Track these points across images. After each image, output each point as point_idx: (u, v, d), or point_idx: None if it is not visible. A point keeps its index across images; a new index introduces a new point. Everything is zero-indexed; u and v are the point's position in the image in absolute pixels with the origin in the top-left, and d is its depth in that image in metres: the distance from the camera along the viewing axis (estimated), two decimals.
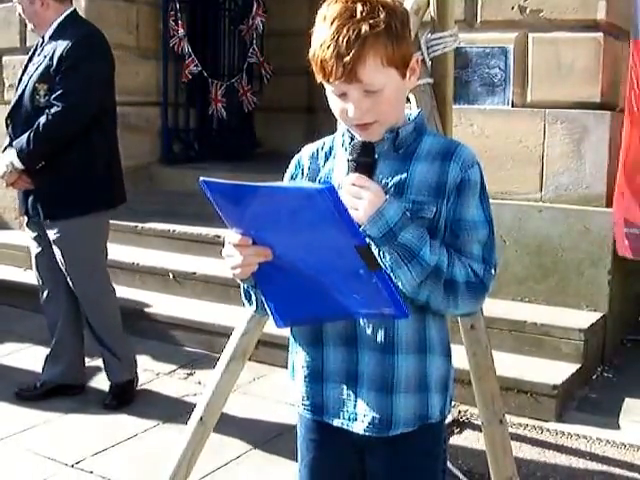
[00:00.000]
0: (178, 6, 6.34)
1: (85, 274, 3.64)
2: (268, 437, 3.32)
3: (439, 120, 2.34)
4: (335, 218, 1.30)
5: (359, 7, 1.44)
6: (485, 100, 4.23)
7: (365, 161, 1.47)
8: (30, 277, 5.35)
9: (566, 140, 4.03)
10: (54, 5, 3.55)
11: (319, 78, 1.50)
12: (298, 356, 1.63)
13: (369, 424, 1.55)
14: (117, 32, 6.07)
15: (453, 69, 2.42)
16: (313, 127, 7.00)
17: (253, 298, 1.60)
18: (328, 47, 1.43)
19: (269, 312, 1.51)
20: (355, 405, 1.56)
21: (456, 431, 3.31)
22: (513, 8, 4.13)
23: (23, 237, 5.92)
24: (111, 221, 5.71)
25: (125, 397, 3.68)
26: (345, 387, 1.56)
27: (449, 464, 2.85)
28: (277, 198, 1.35)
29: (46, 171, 3.54)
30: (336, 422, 1.59)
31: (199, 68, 6.47)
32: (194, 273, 4.83)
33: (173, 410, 3.53)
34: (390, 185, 1.51)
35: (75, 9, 3.68)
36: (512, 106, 4.17)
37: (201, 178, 1.36)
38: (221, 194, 1.38)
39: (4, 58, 6.42)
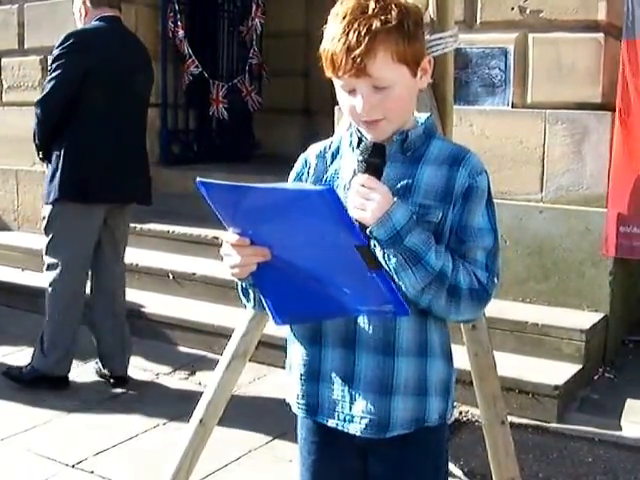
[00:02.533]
0: (177, 7, 6.33)
1: (48, 257, 3.83)
2: (269, 438, 3.32)
3: (439, 121, 2.33)
4: (335, 219, 1.30)
5: (372, 4, 1.44)
6: (485, 101, 4.22)
7: (375, 162, 1.46)
8: (28, 278, 5.37)
9: (567, 141, 4.03)
10: (90, 11, 3.79)
11: (328, 73, 1.49)
12: (295, 354, 1.63)
13: (365, 426, 1.55)
14: None
15: (453, 70, 2.41)
16: (311, 129, 6.99)
17: (251, 296, 1.60)
18: (339, 41, 1.43)
19: (267, 310, 1.51)
20: (351, 406, 1.56)
21: (457, 432, 3.30)
22: (513, 9, 4.13)
23: (21, 238, 5.95)
24: None
25: (18, 380, 3.83)
26: (341, 388, 1.56)
27: (451, 465, 2.84)
28: (275, 199, 1.36)
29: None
30: (331, 422, 1.58)
31: (199, 69, 6.46)
32: (193, 274, 4.83)
33: (173, 410, 3.52)
34: (397, 188, 1.50)
35: (110, 15, 3.79)
36: (512, 107, 4.17)
37: (198, 179, 1.36)
38: (218, 195, 1.38)
39: (3, 60, 6.42)
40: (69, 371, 3.86)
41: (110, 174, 3.75)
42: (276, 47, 7.17)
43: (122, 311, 4.00)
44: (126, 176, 3.82)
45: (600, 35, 3.95)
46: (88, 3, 3.77)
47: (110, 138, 3.76)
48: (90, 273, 3.93)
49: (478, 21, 4.22)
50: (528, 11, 4.09)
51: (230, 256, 1.45)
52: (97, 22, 3.77)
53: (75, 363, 4.15)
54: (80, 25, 3.84)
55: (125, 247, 4.07)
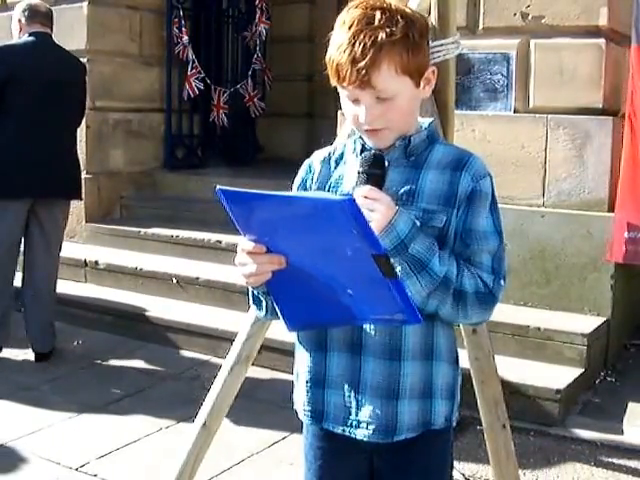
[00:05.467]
0: (182, 13, 6.37)
1: None
2: (271, 441, 3.33)
3: (440, 126, 2.35)
4: (353, 229, 1.29)
5: (378, 15, 1.45)
6: (487, 106, 4.24)
7: (376, 173, 1.47)
8: None
9: (568, 145, 4.05)
10: (24, 27, 4.22)
11: (333, 82, 1.50)
12: (302, 361, 1.64)
13: (373, 430, 1.55)
14: (120, 39, 6.11)
15: (455, 75, 2.43)
16: (313, 133, 7.03)
17: (263, 304, 1.59)
18: (344, 51, 1.44)
19: (280, 316, 1.50)
20: (357, 412, 1.56)
21: (458, 435, 3.31)
22: (515, 14, 4.14)
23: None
24: (114, 226, 5.85)
25: None
26: (347, 394, 1.57)
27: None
28: (295, 207, 1.35)
29: None
30: (338, 429, 1.59)
31: (202, 75, 6.50)
32: (197, 278, 4.84)
33: (177, 414, 3.54)
34: (400, 193, 1.51)
35: (40, 31, 4.20)
36: (514, 112, 4.19)
37: (217, 187, 1.36)
38: (237, 202, 1.38)
39: None
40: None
41: (27, 172, 4.06)
42: (280, 52, 7.20)
43: (49, 298, 4.33)
44: (46, 174, 4.14)
45: (602, 41, 3.96)
46: (23, 20, 4.20)
47: (29, 140, 4.07)
48: (23, 263, 4.30)
49: (480, 27, 4.24)
50: (530, 17, 4.11)
51: (246, 265, 1.43)
52: (27, 37, 4.18)
53: (80, 366, 4.19)
54: (16, 38, 4.26)
55: (59, 240, 4.35)
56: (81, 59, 5.86)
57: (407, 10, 1.49)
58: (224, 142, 7.02)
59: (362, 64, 1.42)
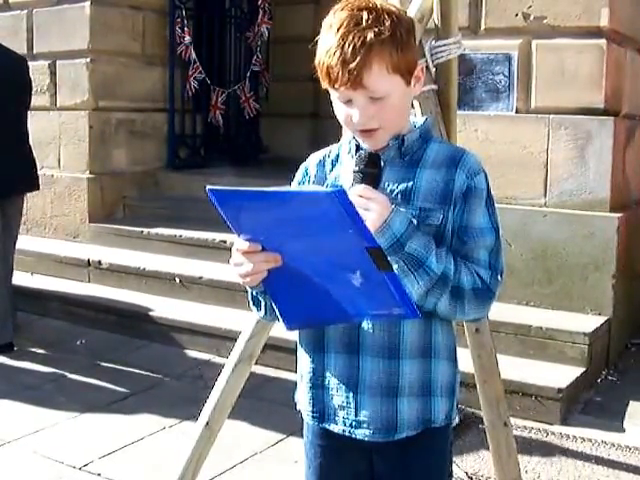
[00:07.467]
0: (184, 13, 6.39)
1: None
2: (274, 440, 3.34)
3: (443, 126, 2.36)
4: (345, 221, 1.29)
5: (364, 15, 1.46)
6: (489, 106, 4.25)
7: (371, 172, 1.47)
8: (37, 282, 5.40)
9: (570, 146, 4.05)
10: None
11: (325, 85, 1.51)
12: (302, 362, 1.65)
13: (374, 430, 1.56)
14: (123, 39, 6.13)
15: (457, 75, 2.43)
16: (318, 133, 7.03)
17: (262, 304, 1.60)
18: (334, 54, 1.45)
19: (278, 315, 1.51)
20: (357, 412, 1.57)
21: (461, 434, 3.32)
22: (517, 15, 4.15)
23: (30, 242, 5.98)
24: (118, 226, 5.86)
25: None
26: (346, 394, 1.57)
27: (454, 467, 2.86)
28: (285, 203, 1.35)
29: None
30: (339, 429, 1.60)
31: (203, 75, 6.52)
32: (200, 277, 4.86)
33: (180, 413, 3.55)
34: (396, 192, 1.52)
35: None
36: (516, 112, 4.19)
37: (208, 187, 1.35)
38: (228, 202, 1.38)
39: None
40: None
41: None
42: (285, 52, 7.20)
43: (5, 286, 4.48)
44: (9, 173, 4.35)
45: (603, 41, 3.96)
46: None
47: None
48: None
49: (482, 27, 4.25)
50: (532, 17, 4.11)
51: (241, 265, 1.43)
52: None
53: (84, 366, 4.20)
54: None
55: (19, 229, 4.65)
56: (84, 59, 5.95)
57: (392, 8, 1.50)
58: (227, 142, 7.04)
59: (353, 65, 1.43)
